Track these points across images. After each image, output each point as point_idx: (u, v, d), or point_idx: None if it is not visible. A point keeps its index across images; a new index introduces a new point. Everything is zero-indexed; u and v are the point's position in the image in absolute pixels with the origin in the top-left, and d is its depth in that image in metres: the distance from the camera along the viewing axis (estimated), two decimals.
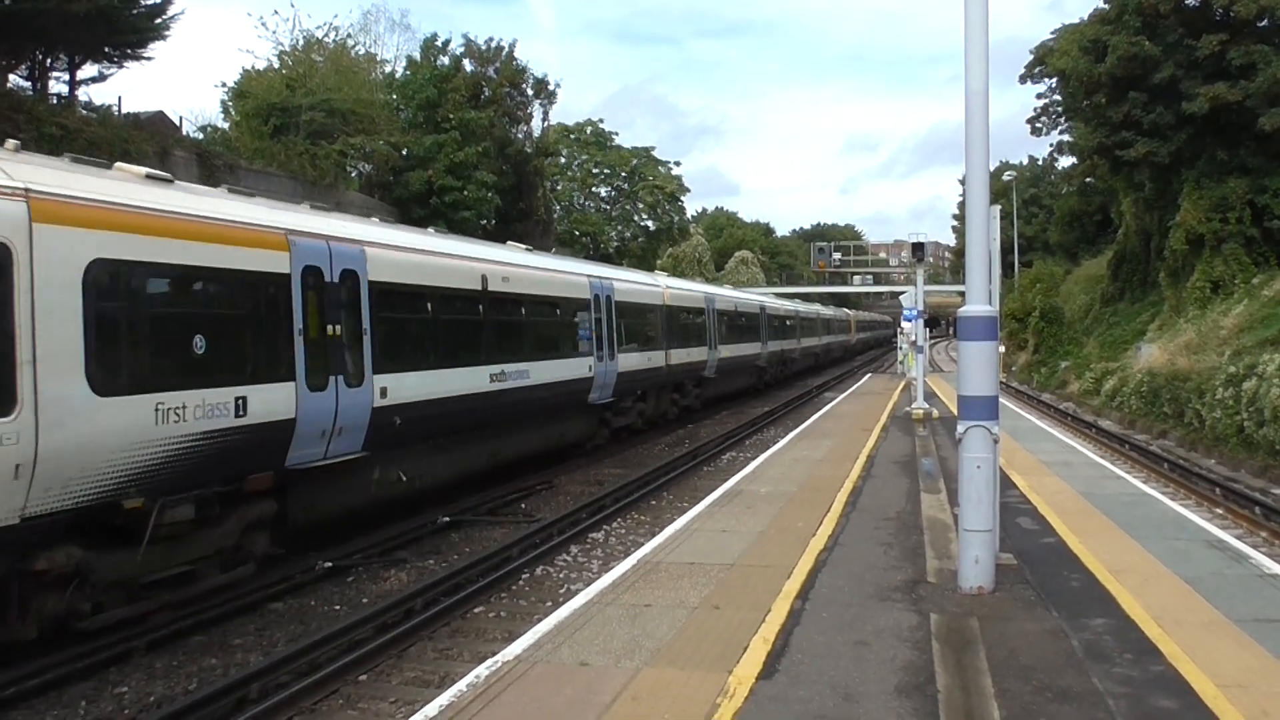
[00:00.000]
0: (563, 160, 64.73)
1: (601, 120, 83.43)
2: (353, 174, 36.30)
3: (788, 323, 46.43)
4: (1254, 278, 30.06)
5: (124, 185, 9.46)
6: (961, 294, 8.92)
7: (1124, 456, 21.21)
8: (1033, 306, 45.48)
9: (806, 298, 71.14)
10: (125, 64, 27.06)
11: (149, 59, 27.10)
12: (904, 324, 34.60)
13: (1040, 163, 76.37)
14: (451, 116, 38.98)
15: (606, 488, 16.95)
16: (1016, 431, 19.85)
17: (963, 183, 9.04)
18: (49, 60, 25.90)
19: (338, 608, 10.59)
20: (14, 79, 25.13)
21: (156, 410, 9.10)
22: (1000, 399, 8.73)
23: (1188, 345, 26.55)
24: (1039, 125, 44.92)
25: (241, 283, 10.50)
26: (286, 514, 11.25)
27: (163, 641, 9.23)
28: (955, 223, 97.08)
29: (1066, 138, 46.72)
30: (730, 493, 13.27)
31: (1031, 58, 41.71)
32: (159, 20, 26.10)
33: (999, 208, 10.81)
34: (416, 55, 43.07)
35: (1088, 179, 49.90)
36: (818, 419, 24.67)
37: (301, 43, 37.96)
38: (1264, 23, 31.75)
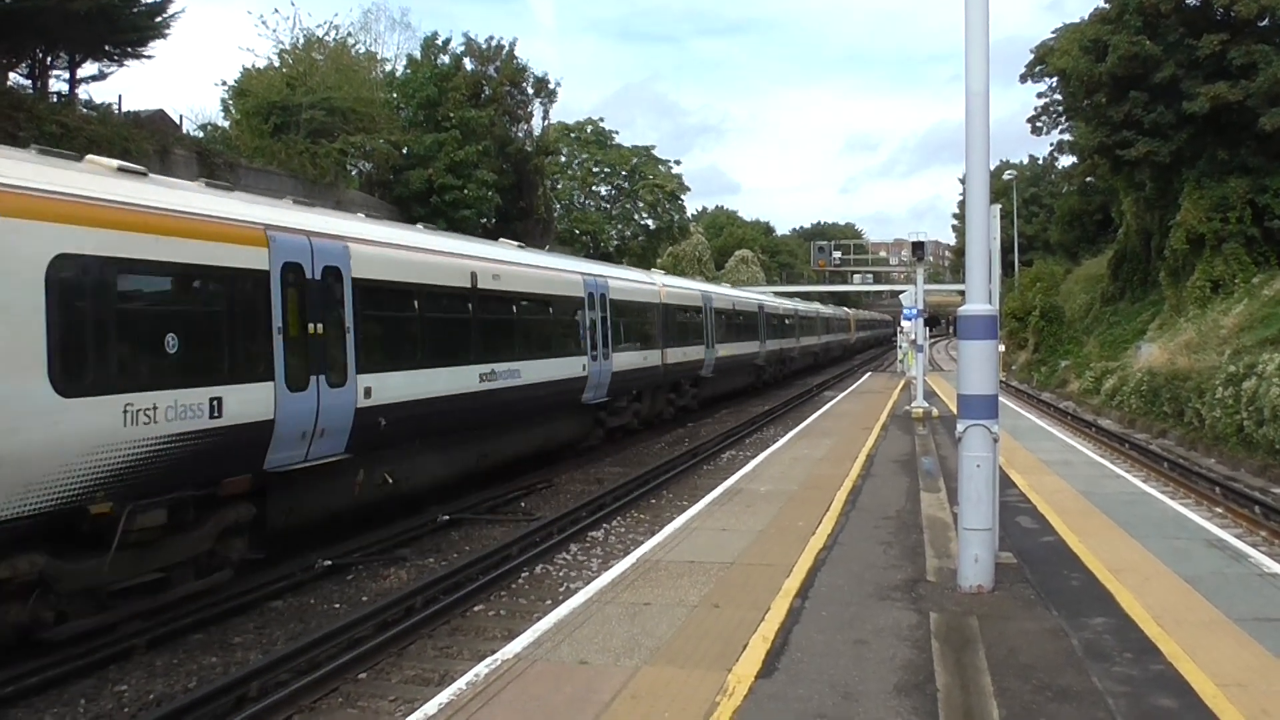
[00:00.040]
0: (563, 159, 64.68)
1: (602, 119, 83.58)
2: (353, 173, 36.29)
3: (786, 321, 46.22)
4: (1254, 277, 30.08)
5: (93, 178, 9.10)
6: (961, 293, 8.92)
7: (1124, 455, 21.21)
8: (1033, 306, 45.49)
9: (806, 297, 71.14)
10: (125, 62, 27.09)
11: (149, 57, 27.14)
12: (904, 323, 34.60)
13: (1041, 162, 76.46)
14: (452, 115, 38.97)
15: (606, 486, 16.96)
16: (1016, 430, 19.85)
17: (963, 182, 9.04)
18: (49, 58, 25.91)
19: (337, 606, 10.59)
20: (14, 77, 25.16)
21: (125, 412, 8.75)
22: (1000, 398, 8.73)
23: (1188, 344, 26.55)
24: (1039, 124, 44.91)
25: (217, 279, 10.15)
26: (266, 518, 10.94)
27: (163, 640, 9.23)
28: (955, 222, 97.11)
29: (1067, 137, 46.76)
30: (730, 491, 13.27)
31: (1032, 57, 41.70)
32: (159, 18, 26.12)
33: (999, 207, 10.81)
34: (417, 54, 43.07)
35: (1088, 178, 49.89)
36: (817, 418, 24.67)
37: (302, 41, 37.98)
38: (1265, 22, 31.76)
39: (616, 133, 70.50)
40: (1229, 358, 22.15)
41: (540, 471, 18.56)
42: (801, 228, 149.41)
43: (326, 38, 38.84)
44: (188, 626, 9.58)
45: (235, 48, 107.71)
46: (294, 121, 32.82)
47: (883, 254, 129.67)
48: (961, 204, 47.53)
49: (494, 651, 6.88)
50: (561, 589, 11.01)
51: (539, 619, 7.74)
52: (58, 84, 26.66)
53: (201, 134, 32.10)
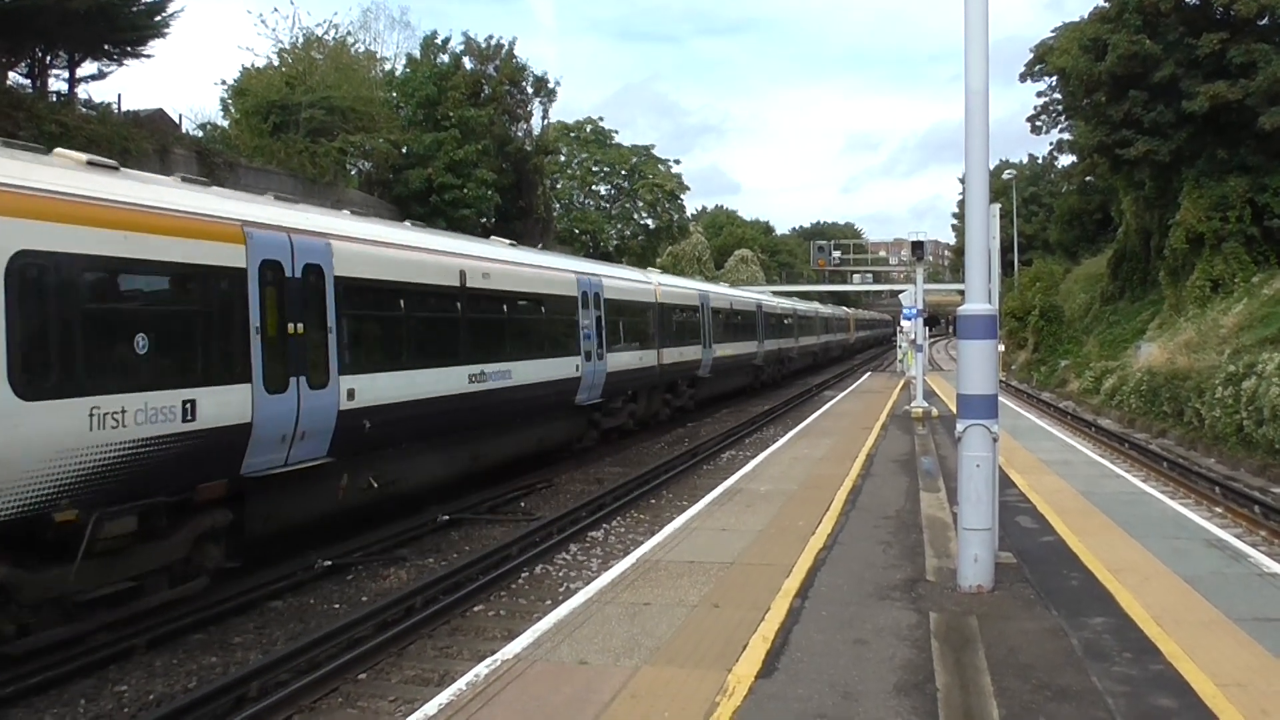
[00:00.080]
0: (562, 158, 64.71)
1: (601, 118, 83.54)
2: (352, 172, 36.30)
3: (785, 321, 46.04)
4: (1254, 276, 30.10)
5: (60, 172, 8.77)
6: (961, 292, 8.92)
7: (1123, 455, 21.22)
8: (1032, 305, 45.50)
9: (806, 296, 71.13)
10: (125, 61, 27.09)
11: (148, 56, 27.16)
12: (904, 322, 34.60)
13: (1040, 161, 76.50)
14: (451, 114, 38.98)
15: (606, 486, 16.96)
16: (1016, 430, 19.86)
17: (963, 181, 9.04)
18: (49, 57, 25.91)
19: (337, 606, 10.59)
20: (13, 76, 25.15)
21: (91, 415, 8.41)
22: (1000, 398, 8.73)
23: (1187, 344, 26.56)
24: (1039, 124, 44.94)
25: (191, 277, 9.79)
26: (244, 524, 10.59)
27: (163, 640, 9.23)
28: (955, 221, 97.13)
29: (1066, 136, 46.74)
30: (730, 491, 13.28)
31: (1031, 56, 41.72)
32: (158, 18, 26.14)
33: (999, 206, 10.82)
34: (416, 53, 43.12)
35: (1088, 177, 49.94)
36: (817, 417, 24.68)
37: (301, 40, 38.03)
38: (1264, 21, 31.76)
39: (616, 132, 70.63)
40: (1229, 357, 22.16)
41: (540, 471, 18.55)
42: (801, 227, 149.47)
43: (326, 37, 38.92)
44: (188, 626, 9.58)
45: (234, 47, 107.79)
46: (293, 121, 32.83)
47: (882, 253, 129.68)
48: (961, 203, 47.54)
49: (494, 652, 6.88)
50: (561, 589, 11.02)
51: (539, 619, 7.74)
52: (57, 83, 26.69)
53: (201, 133, 32.10)
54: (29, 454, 7.95)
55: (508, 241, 19.91)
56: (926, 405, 24.25)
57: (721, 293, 35.32)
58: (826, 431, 20.93)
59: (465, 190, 37.66)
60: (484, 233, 30.73)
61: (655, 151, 71.38)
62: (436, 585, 10.57)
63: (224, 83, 37.04)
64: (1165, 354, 27.02)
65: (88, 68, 26.86)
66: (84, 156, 9.54)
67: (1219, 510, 15.24)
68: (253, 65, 36.71)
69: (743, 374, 36.38)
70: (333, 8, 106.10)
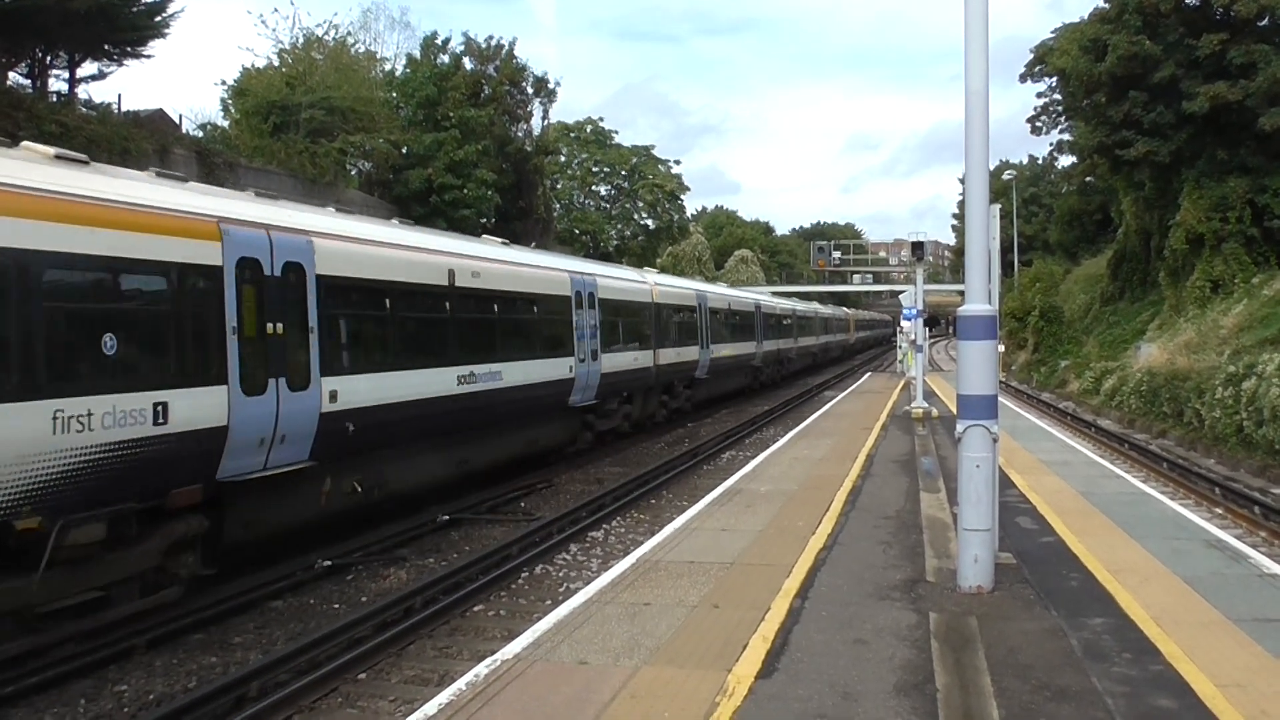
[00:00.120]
0: (562, 159, 64.75)
1: (602, 119, 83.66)
2: (352, 172, 36.32)
3: (784, 321, 45.83)
4: (1254, 277, 30.11)
5: (24, 165, 8.45)
6: (961, 293, 8.93)
7: (1123, 456, 21.22)
8: (1032, 306, 45.50)
9: (806, 296, 71.12)
10: (125, 62, 27.13)
11: (149, 57, 27.21)
12: (903, 323, 34.59)
13: (1040, 162, 76.52)
14: (451, 114, 39.00)
15: (606, 486, 16.96)
16: (1016, 431, 19.86)
17: (963, 182, 9.04)
18: (49, 58, 25.94)
19: (337, 606, 10.59)
20: (14, 76, 25.19)
21: (54, 419, 8.06)
22: (999, 398, 8.73)
23: (1187, 345, 26.57)
24: (1039, 124, 44.98)
25: (163, 275, 9.40)
26: (222, 530, 10.27)
27: (163, 639, 9.23)
28: (955, 222, 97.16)
29: (1066, 137, 46.81)
30: (730, 491, 13.28)
31: (1032, 57, 41.76)
32: (159, 18, 26.18)
33: (999, 207, 10.81)
34: (416, 53, 43.13)
35: (1088, 178, 49.94)
36: (817, 418, 24.68)
37: (301, 41, 38.06)
38: (1264, 22, 31.78)
39: (616, 132, 70.70)
40: (1228, 358, 22.16)
41: (540, 471, 18.55)
42: (801, 228, 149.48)
43: (326, 37, 38.95)
44: (187, 626, 9.59)
45: (235, 47, 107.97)
46: (293, 121, 32.85)
47: (882, 254, 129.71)
48: (961, 204, 47.50)
49: (494, 652, 6.88)
50: (561, 589, 11.02)
51: (539, 619, 7.75)
52: (57, 83, 26.75)
53: (201, 133, 32.14)
54: None
55: (500, 240, 19.64)
56: (926, 406, 24.26)
57: (719, 293, 35.06)
58: (826, 432, 20.93)
59: (465, 191, 37.67)
60: (484, 233, 30.73)
61: (655, 152, 71.49)
62: (436, 585, 10.57)
63: (224, 83, 37.12)
64: (1165, 354, 27.03)
65: (88, 68, 26.94)
66: (52, 150, 9.18)
67: (1219, 511, 15.24)
68: (253, 65, 36.79)
69: (741, 375, 36.15)
70: (333, 8, 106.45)
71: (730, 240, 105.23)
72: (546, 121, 50.58)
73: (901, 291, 36.48)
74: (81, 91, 27.04)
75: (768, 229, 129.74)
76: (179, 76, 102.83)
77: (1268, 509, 14.52)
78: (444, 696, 6.00)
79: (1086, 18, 37.81)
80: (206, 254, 9.88)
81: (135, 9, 25.32)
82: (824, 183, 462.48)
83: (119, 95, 51.14)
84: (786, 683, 6.09)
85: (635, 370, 23.18)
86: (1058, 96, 42.17)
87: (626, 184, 68.76)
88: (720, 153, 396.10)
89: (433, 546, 13.28)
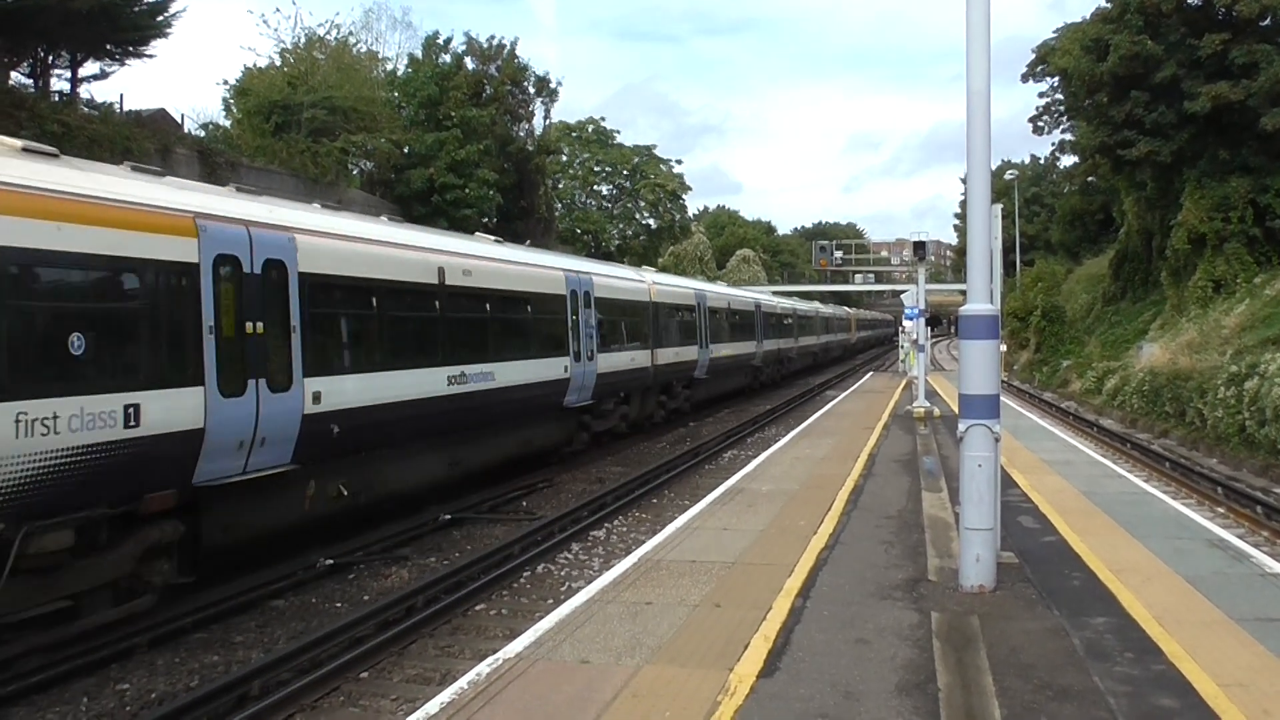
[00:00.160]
0: (564, 158, 64.80)
1: (603, 118, 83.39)
2: (354, 172, 36.35)
3: (785, 321, 45.58)
4: (1256, 277, 30.10)
5: None
6: (963, 293, 8.92)
7: (1125, 455, 21.20)
8: (1034, 305, 45.46)
9: (808, 296, 71.08)
10: (127, 61, 27.17)
11: (151, 56, 27.25)
12: (905, 322, 34.56)
13: (1042, 162, 76.40)
14: (453, 114, 39.03)
15: (608, 485, 16.96)
16: (1018, 430, 19.84)
17: (964, 181, 9.04)
18: (51, 57, 25.98)
19: (339, 605, 10.59)
20: (16, 76, 25.21)
21: (17, 421, 7.76)
22: (1002, 398, 8.73)
23: (1189, 344, 26.54)
24: (1041, 124, 44.89)
25: (134, 273, 9.04)
26: (200, 536, 9.94)
27: (165, 638, 9.24)
28: (957, 221, 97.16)
29: (1068, 137, 46.74)
30: (731, 491, 13.28)
31: (1033, 57, 41.73)
32: (161, 18, 26.21)
33: (1000, 206, 10.80)
34: (418, 53, 43.18)
35: (1089, 178, 49.87)
36: (819, 417, 24.67)
37: (303, 40, 38.08)
38: (1266, 22, 31.76)
39: (618, 132, 70.77)
40: (1231, 357, 22.14)
41: (541, 471, 18.55)
42: (803, 227, 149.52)
43: (328, 37, 38.98)
44: (189, 625, 9.59)
45: (237, 47, 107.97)
46: (295, 120, 32.88)
47: (884, 253, 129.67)
48: (963, 204, 47.46)
49: (495, 651, 6.88)
50: (563, 588, 11.02)
51: (540, 618, 7.74)
52: (59, 83, 26.79)
53: (203, 133, 32.17)
54: None
55: (493, 238, 19.34)
56: (928, 405, 24.22)
57: (719, 292, 34.80)
58: (828, 431, 20.92)
59: (467, 190, 37.69)
60: (486, 232, 30.72)
61: (657, 151, 71.61)
62: (438, 584, 10.57)
63: (226, 83, 37.21)
64: (1167, 354, 27.00)
65: (90, 67, 26.97)
66: (19, 143, 8.88)
67: (1221, 511, 15.22)
68: (255, 65, 36.83)
69: (741, 375, 35.88)
70: (334, 8, 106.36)
71: (732, 240, 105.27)
72: (548, 121, 50.75)
73: (903, 291, 36.46)
74: (83, 91, 27.13)
75: (769, 229, 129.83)
76: (181, 76, 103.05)
77: (1270, 509, 14.51)
78: (446, 695, 6.00)
79: (1088, 17, 37.80)
80: (182, 251, 9.53)
81: (137, 8, 25.35)
82: (825, 182, 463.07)
83: (121, 95, 51.27)
84: (788, 682, 6.08)
85: (632, 370, 22.86)
86: (1059, 96, 42.13)
87: (628, 184, 68.82)
88: (722, 152, 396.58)
89: (434, 546, 13.28)
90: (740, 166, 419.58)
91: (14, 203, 7.95)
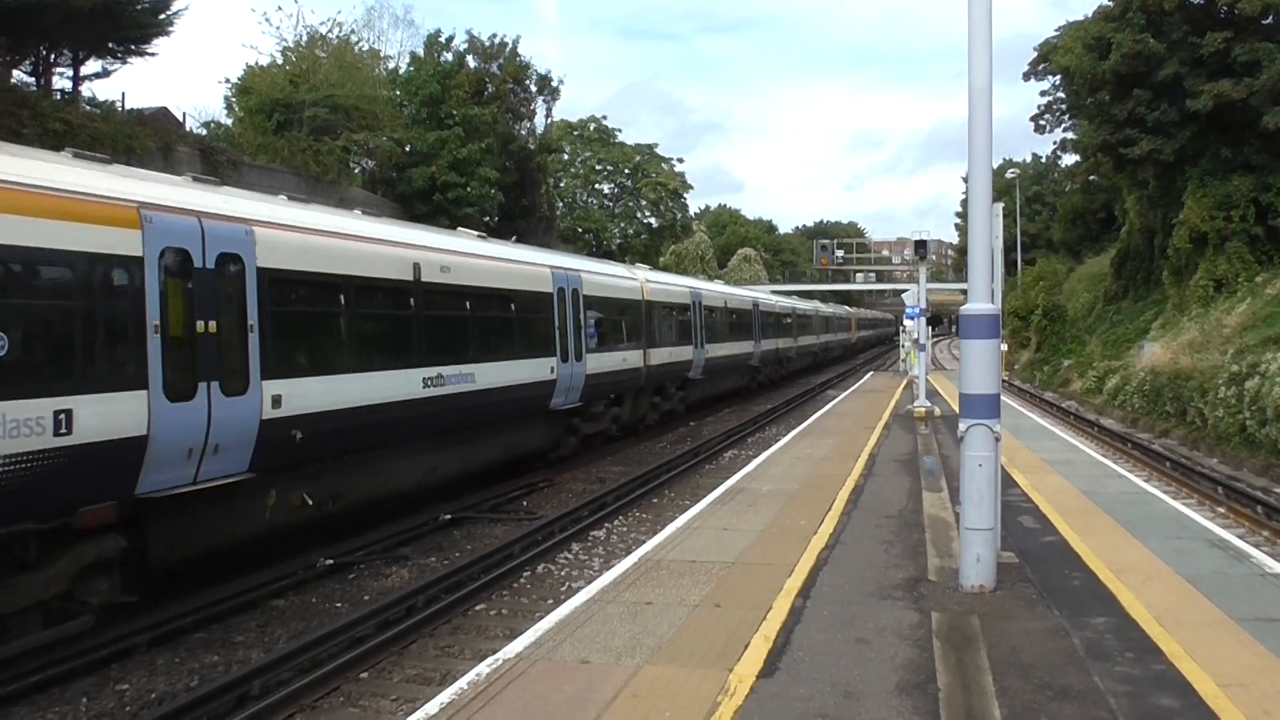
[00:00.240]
0: (566, 157, 64.78)
1: (605, 117, 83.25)
2: (356, 170, 36.35)
3: (784, 320, 45.20)
4: (1257, 276, 30.08)
5: None
6: (964, 292, 8.92)
7: (1126, 455, 21.19)
8: (1035, 305, 45.43)
9: (809, 295, 71.03)
10: (129, 60, 27.16)
11: (153, 55, 27.23)
12: (906, 322, 34.52)
13: (1044, 160, 76.35)
14: (455, 113, 39.02)
15: (608, 485, 16.96)
16: (1018, 430, 19.84)
17: (966, 180, 9.03)
18: (53, 56, 25.97)
19: (339, 605, 10.60)
20: (18, 74, 25.21)
21: None
22: (1002, 397, 8.73)
23: (1190, 344, 26.51)
24: (1043, 123, 44.83)
25: (68, 266, 8.37)
26: (146, 551, 9.37)
27: (165, 638, 9.24)
28: (958, 220, 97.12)
29: (1070, 135, 46.63)
30: (732, 490, 13.28)
31: (1035, 55, 41.66)
32: (163, 16, 26.20)
33: (1002, 205, 10.80)
34: (420, 51, 43.15)
35: (1091, 177, 49.89)
36: (819, 417, 24.66)
37: (305, 38, 38.07)
38: (1268, 20, 31.71)
39: (619, 130, 70.86)
40: (1232, 357, 22.12)
41: (542, 471, 18.54)
42: (805, 226, 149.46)
43: (330, 35, 38.94)
44: (189, 625, 9.60)
45: (239, 45, 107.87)
46: (297, 119, 32.87)
47: (885, 252, 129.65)
48: (964, 202, 47.46)
49: (495, 651, 6.88)
50: (563, 588, 11.02)
51: (540, 618, 7.75)
52: (61, 81, 26.78)
53: (205, 131, 32.19)
54: None
55: (475, 234, 18.68)
56: (929, 405, 24.21)
57: (715, 290, 34.30)
58: (829, 431, 20.91)
59: (469, 189, 37.69)
60: (487, 231, 30.71)
61: (658, 150, 71.59)
62: (438, 584, 10.58)
63: (228, 81, 37.33)
64: (1168, 354, 26.97)
65: (92, 66, 26.96)
66: None
67: (1221, 510, 15.21)
68: (257, 63, 36.78)
69: (738, 375, 35.41)
70: (337, 6, 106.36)
71: (733, 239, 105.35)
72: (550, 120, 50.69)
73: (904, 290, 36.43)
74: (85, 89, 27.12)
75: (771, 227, 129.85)
76: (183, 74, 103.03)
77: (1270, 508, 14.51)
78: (445, 695, 6.01)
79: (1090, 16, 37.71)
80: (123, 243, 8.84)
81: (139, 7, 25.35)
82: (827, 181, 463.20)
83: (123, 93, 51.32)
84: (788, 682, 6.08)
85: (624, 371, 22.23)
86: (1061, 95, 42.08)
87: (630, 182, 68.80)
88: (723, 151, 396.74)
89: (434, 545, 13.29)
90: (742, 165, 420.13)
91: None
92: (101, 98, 27.35)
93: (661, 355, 25.06)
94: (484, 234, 19.55)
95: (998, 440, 8.08)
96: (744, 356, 35.60)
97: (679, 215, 71.98)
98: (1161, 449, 21.91)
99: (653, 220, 70.32)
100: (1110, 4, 35.52)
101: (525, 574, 11.70)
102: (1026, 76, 42.49)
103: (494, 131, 40.56)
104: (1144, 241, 41.89)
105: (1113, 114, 34.93)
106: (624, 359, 22.27)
